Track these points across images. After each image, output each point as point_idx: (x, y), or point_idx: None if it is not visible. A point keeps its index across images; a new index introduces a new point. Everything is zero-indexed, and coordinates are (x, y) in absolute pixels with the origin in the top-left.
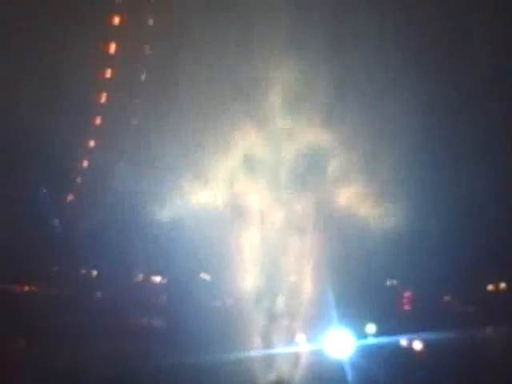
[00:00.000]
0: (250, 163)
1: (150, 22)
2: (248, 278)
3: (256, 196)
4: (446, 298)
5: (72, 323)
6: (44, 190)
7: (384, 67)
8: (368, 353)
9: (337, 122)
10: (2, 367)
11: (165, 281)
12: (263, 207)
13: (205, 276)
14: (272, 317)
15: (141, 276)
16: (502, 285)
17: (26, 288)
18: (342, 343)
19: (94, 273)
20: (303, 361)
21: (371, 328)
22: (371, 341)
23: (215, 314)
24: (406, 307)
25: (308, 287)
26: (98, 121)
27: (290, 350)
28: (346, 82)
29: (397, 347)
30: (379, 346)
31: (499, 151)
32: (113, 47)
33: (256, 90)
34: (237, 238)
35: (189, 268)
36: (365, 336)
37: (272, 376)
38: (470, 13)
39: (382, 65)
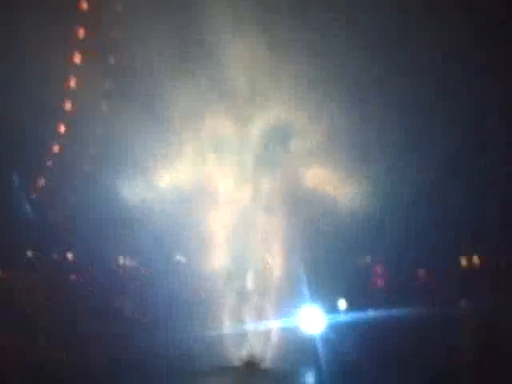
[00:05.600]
0: (216, 143)
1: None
2: (220, 258)
3: (224, 175)
4: (420, 272)
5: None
6: (14, 176)
7: (352, 48)
8: (340, 328)
9: (305, 100)
10: None
11: (141, 264)
12: (231, 186)
13: (180, 258)
14: (244, 294)
15: (117, 259)
16: (475, 258)
17: None
18: (313, 320)
19: (69, 256)
20: (275, 337)
21: (343, 304)
22: (343, 317)
23: (189, 293)
24: (379, 283)
25: (279, 265)
26: (68, 106)
27: (262, 327)
28: (314, 60)
29: (368, 323)
30: (351, 322)
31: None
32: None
33: (221, 67)
34: (206, 219)
35: (163, 251)
36: (337, 312)
37: (244, 352)
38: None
39: (350, 46)
